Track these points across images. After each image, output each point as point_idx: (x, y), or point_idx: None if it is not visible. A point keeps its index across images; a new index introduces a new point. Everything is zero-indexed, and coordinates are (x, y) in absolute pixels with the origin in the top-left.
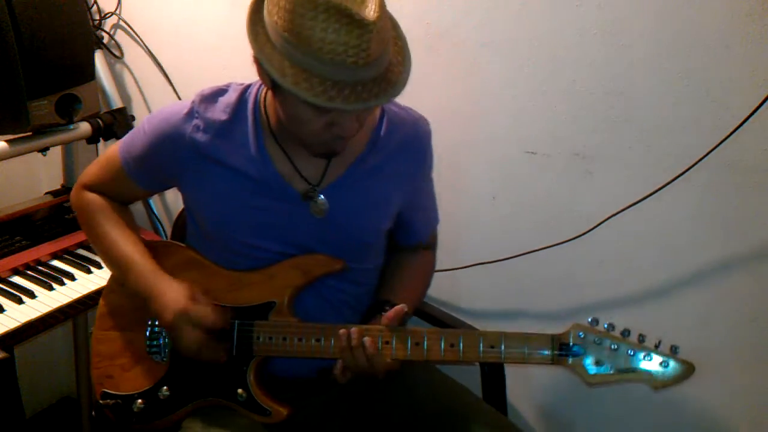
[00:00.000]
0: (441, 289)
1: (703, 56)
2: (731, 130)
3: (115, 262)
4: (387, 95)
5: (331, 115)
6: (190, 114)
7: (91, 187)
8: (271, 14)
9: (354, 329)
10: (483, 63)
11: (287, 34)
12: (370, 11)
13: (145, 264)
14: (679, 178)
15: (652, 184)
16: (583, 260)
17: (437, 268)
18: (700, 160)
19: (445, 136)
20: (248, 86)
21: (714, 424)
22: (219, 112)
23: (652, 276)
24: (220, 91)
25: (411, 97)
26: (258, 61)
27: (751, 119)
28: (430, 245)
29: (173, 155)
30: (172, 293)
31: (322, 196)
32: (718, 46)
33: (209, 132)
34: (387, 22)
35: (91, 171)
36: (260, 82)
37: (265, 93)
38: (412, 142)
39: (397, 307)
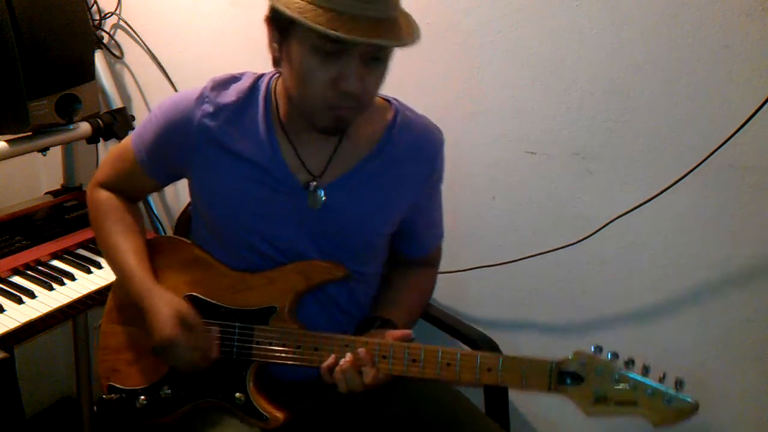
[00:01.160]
0: (441, 291)
1: (703, 56)
2: (732, 130)
3: (115, 269)
4: (392, 38)
5: (336, 66)
6: (201, 99)
7: (104, 184)
8: None
9: (348, 357)
10: (483, 63)
11: None
12: None
13: (139, 276)
14: (681, 180)
15: (653, 184)
16: (584, 262)
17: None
18: (703, 161)
19: (445, 136)
20: (261, 75)
21: (715, 426)
22: (230, 98)
23: (654, 276)
24: (234, 78)
25: (411, 97)
26: (268, 21)
27: (752, 120)
28: (433, 262)
29: (182, 140)
30: (160, 315)
31: (321, 191)
32: (718, 46)
33: (219, 117)
34: None
35: (104, 166)
36: (273, 72)
37: (276, 82)
38: (422, 149)
39: (406, 332)
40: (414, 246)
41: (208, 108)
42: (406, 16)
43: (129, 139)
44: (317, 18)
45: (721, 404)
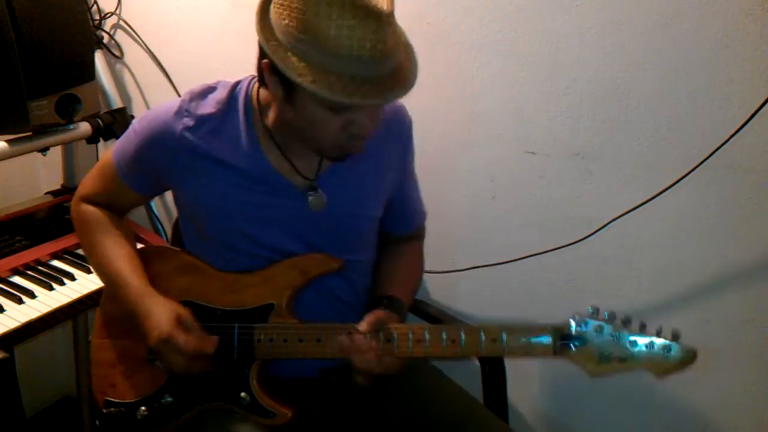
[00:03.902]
0: (440, 291)
1: (703, 56)
2: (733, 131)
3: (107, 279)
4: (403, 89)
5: (347, 115)
6: (180, 112)
7: (88, 198)
8: (281, 17)
9: (360, 336)
10: (483, 63)
11: (301, 34)
12: (384, 2)
13: (134, 282)
14: (681, 180)
15: (653, 185)
16: (583, 262)
17: (436, 269)
18: (703, 161)
19: (444, 136)
20: (238, 82)
21: (715, 425)
22: (209, 109)
23: (653, 277)
24: (210, 89)
25: (411, 97)
26: (268, 68)
27: (752, 120)
28: (419, 236)
29: (165, 154)
30: (157, 315)
31: (320, 191)
32: (718, 46)
33: (200, 129)
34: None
35: (87, 181)
36: (250, 78)
37: (257, 89)
38: (395, 128)
39: (373, 315)
40: (401, 223)
41: (189, 121)
42: (404, 42)
43: (110, 154)
44: (331, 86)
45: (721, 404)
